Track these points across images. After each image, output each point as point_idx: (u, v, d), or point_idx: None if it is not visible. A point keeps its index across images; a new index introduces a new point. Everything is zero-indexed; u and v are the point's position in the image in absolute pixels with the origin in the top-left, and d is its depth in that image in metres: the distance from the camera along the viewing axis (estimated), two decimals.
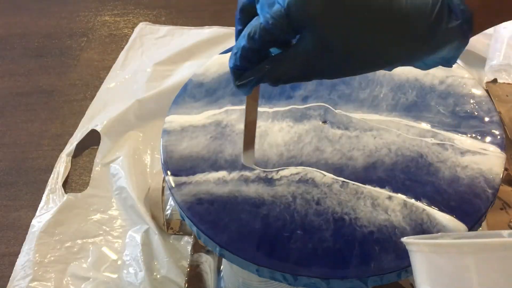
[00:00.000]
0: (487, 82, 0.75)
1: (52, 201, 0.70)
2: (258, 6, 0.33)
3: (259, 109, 0.53)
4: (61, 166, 0.74)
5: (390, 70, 0.34)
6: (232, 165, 0.48)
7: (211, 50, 0.89)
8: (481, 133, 0.48)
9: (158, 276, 0.61)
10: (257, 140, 0.50)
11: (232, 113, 0.53)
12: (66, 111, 0.84)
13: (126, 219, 0.67)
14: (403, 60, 0.32)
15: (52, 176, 0.73)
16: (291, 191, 0.45)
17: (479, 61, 0.82)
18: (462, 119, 0.50)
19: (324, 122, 0.51)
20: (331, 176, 0.46)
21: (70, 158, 0.75)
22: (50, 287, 0.61)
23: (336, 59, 0.32)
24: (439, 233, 0.39)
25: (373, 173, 0.46)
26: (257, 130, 0.51)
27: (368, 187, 0.45)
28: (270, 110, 0.52)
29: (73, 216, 0.68)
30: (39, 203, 0.70)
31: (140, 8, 1.04)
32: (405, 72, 0.55)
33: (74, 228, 0.67)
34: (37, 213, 0.69)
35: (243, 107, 0.53)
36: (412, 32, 0.31)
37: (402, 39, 0.31)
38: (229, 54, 0.58)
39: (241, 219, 0.44)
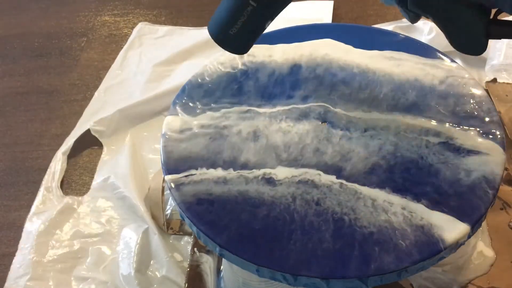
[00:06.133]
0: (487, 82, 0.75)
1: (48, 200, 0.70)
2: None
3: (259, 109, 0.53)
4: (57, 165, 0.74)
5: None
6: (231, 165, 0.48)
7: (210, 50, 0.89)
8: (481, 133, 0.48)
9: (158, 276, 0.61)
10: (257, 141, 0.50)
11: (231, 114, 0.53)
12: (66, 111, 0.84)
13: (126, 219, 0.67)
14: None
15: (47, 174, 0.72)
16: (291, 192, 0.45)
17: (479, 61, 0.82)
18: (462, 119, 0.50)
19: (324, 122, 0.51)
20: (331, 176, 0.46)
21: (66, 156, 0.75)
22: (49, 287, 0.61)
23: None
24: None
25: (373, 173, 0.46)
26: (257, 130, 0.51)
27: (368, 187, 0.45)
28: (270, 110, 0.52)
29: (72, 215, 0.68)
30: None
31: (140, 8, 1.04)
32: (405, 72, 0.55)
33: (74, 228, 0.67)
34: (32, 211, 0.68)
35: (242, 108, 0.53)
36: None
37: None
38: (228, 54, 0.58)
39: (241, 219, 0.44)
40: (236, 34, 0.45)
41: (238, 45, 0.47)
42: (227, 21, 0.45)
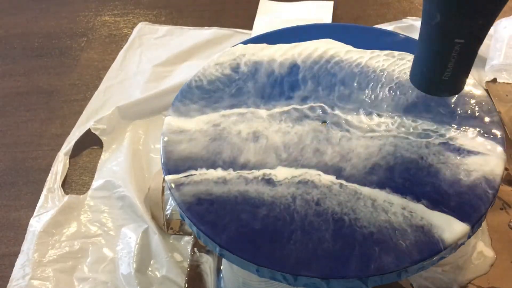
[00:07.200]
0: (487, 82, 0.75)
1: (51, 201, 0.70)
2: None
3: (259, 110, 0.53)
4: (59, 165, 0.74)
5: None
6: (231, 165, 0.48)
7: (210, 51, 0.89)
8: (481, 134, 0.48)
9: (158, 276, 0.61)
10: (256, 141, 0.50)
11: (231, 115, 0.53)
12: (66, 111, 0.84)
13: (126, 218, 0.67)
14: None
15: (50, 175, 0.73)
16: (291, 192, 0.45)
17: (479, 61, 0.82)
18: (462, 119, 0.50)
19: (324, 123, 0.51)
20: (331, 177, 0.46)
21: (68, 157, 0.75)
22: (49, 286, 0.61)
23: None
24: None
25: (372, 174, 0.46)
26: (256, 131, 0.51)
27: (368, 188, 0.45)
28: (270, 111, 0.52)
29: (72, 215, 0.68)
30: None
31: (140, 8, 1.04)
32: (405, 72, 0.55)
33: (74, 228, 0.67)
34: (36, 213, 0.69)
35: (242, 108, 0.53)
36: None
37: None
38: (227, 55, 0.58)
39: (241, 219, 0.44)
40: (450, 77, 0.40)
41: (455, 87, 0.43)
42: (436, 69, 0.40)
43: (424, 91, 0.43)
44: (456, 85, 0.43)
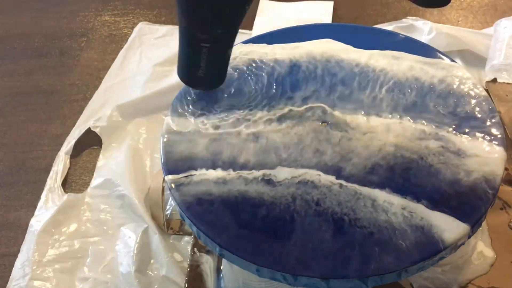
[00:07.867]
0: (487, 82, 0.75)
1: (51, 200, 0.70)
2: None
3: (259, 110, 0.53)
4: (60, 165, 0.74)
5: None
6: (231, 165, 0.48)
7: None
8: (481, 134, 0.48)
9: (158, 276, 0.61)
10: (256, 141, 0.50)
11: (231, 115, 0.53)
12: (66, 111, 0.84)
13: (125, 218, 0.67)
14: None
15: (50, 175, 0.73)
16: (291, 192, 0.45)
17: (479, 61, 0.82)
18: (462, 119, 0.50)
19: (324, 123, 0.51)
20: (331, 177, 0.46)
21: (69, 156, 0.75)
22: (49, 286, 0.61)
23: None
24: None
25: (373, 174, 0.46)
26: (256, 131, 0.51)
27: (368, 188, 0.45)
28: (270, 111, 0.52)
29: (72, 215, 0.68)
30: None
31: (140, 8, 1.04)
32: (404, 72, 0.55)
33: (73, 227, 0.67)
34: (36, 213, 0.69)
35: (241, 108, 0.53)
36: None
37: None
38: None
39: (241, 219, 0.44)
40: (205, 74, 0.46)
41: (211, 82, 0.49)
42: (191, 66, 0.46)
43: (186, 84, 0.49)
44: (214, 80, 0.49)
